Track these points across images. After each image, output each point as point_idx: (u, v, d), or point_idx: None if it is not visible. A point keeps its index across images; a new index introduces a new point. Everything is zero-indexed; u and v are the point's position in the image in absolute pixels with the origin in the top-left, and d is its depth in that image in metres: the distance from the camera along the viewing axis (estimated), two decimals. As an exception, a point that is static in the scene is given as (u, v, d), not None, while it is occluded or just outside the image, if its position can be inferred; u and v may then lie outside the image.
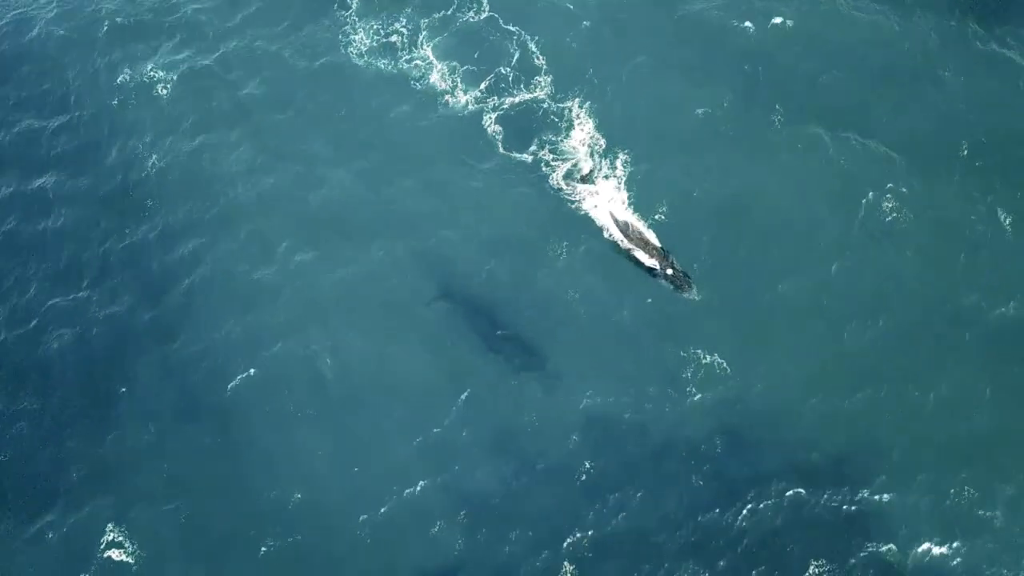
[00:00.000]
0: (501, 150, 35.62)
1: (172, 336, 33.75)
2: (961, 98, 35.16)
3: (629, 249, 33.08)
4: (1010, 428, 29.42)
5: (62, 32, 41.67)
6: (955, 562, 27.90)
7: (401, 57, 37.90)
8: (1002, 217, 32.48)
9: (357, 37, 38.73)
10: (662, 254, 32.69)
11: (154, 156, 37.54)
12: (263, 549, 29.81)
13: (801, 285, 32.12)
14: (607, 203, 34.04)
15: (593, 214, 33.95)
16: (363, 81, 37.83)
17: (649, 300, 32.25)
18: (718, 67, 36.75)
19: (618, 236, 33.39)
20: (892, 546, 28.30)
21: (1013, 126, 34.30)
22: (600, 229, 33.72)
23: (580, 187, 34.45)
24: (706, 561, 28.73)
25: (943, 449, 29.20)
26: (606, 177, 34.51)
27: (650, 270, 32.53)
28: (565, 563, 29.04)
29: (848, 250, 32.55)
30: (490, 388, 31.59)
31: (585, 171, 34.66)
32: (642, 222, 33.51)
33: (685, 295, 31.96)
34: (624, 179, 34.47)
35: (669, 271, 32.33)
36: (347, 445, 31.21)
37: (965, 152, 33.82)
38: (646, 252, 32.74)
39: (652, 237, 33.15)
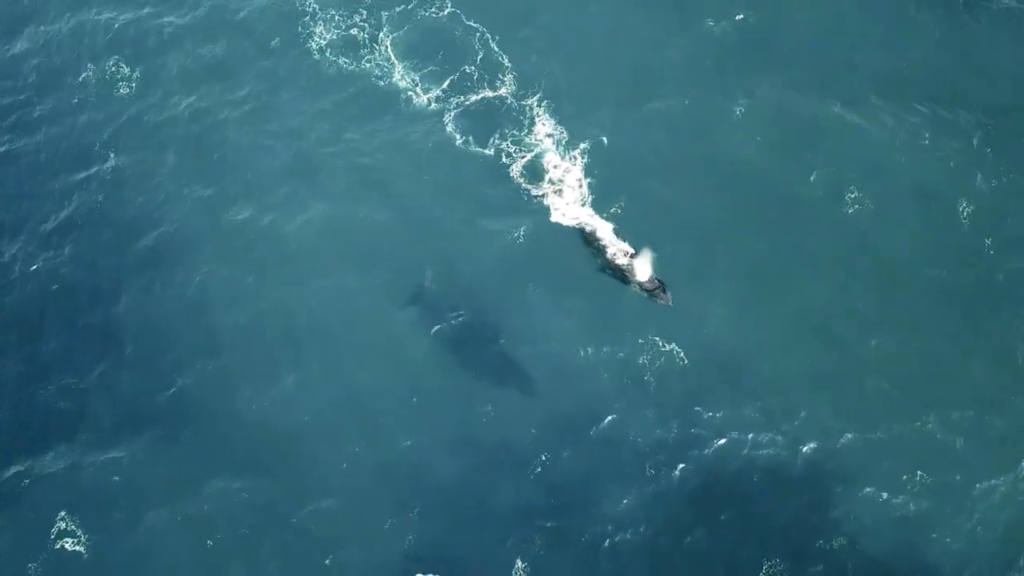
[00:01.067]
0: (459, 143, 36.42)
1: (125, 326, 34.61)
2: (933, 71, 36.58)
3: (600, 246, 33.80)
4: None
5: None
6: (905, 520, 29.40)
7: (363, 55, 38.65)
8: (962, 206, 33.76)
9: (318, 30, 39.54)
10: (638, 261, 32.89)
11: (112, 147, 38.43)
12: (209, 542, 30.49)
13: (761, 267, 33.37)
14: (571, 201, 34.81)
15: (555, 207, 34.75)
16: (324, 78, 38.46)
17: (606, 287, 33.18)
18: (683, 60, 37.70)
19: (588, 232, 34.12)
20: (843, 539, 29.35)
21: (979, 97, 35.82)
22: (566, 223, 34.55)
23: (545, 184, 35.23)
24: (663, 555, 29.59)
25: (899, 419, 30.68)
26: (568, 170, 35.40)
27: (623, 276, 33.09)
28: (518, 561, 29.75)
29: (807, 229, 33.85)
30: (443, 379, 32.29)
31: (551, 167, 35.50)
32: (610, 225, 34.18)
33: (660, 303, 32.51)
34: (585, 174, 35.32)
35: (645, 279, 32.67)
36: (300, 438, 31.94)
37: (928, 135, 35.05)
38: (619, 254, 33.42)
39: (624, 244, 33.66)
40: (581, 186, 35.24)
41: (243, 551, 30.40)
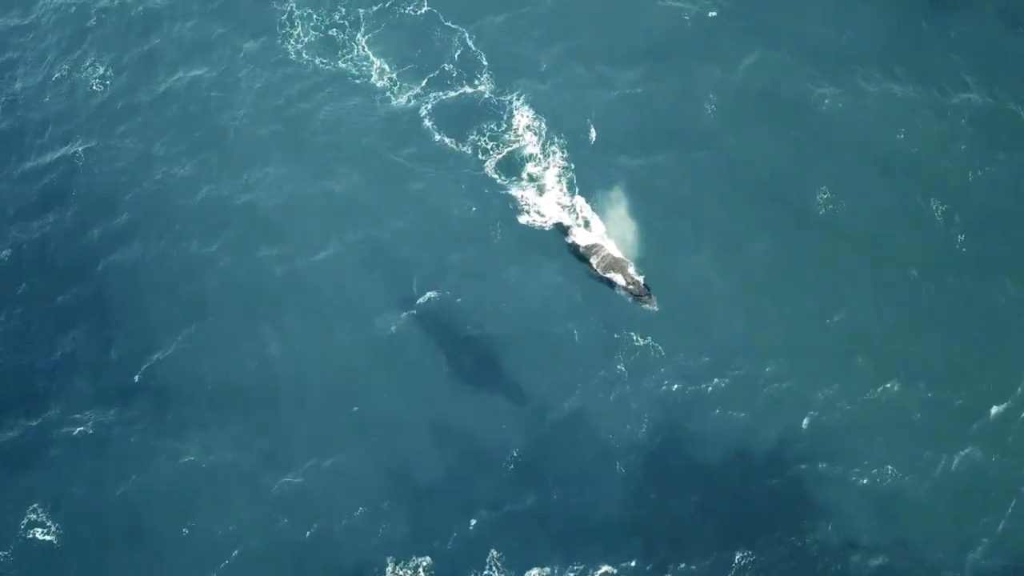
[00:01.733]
0: (437, 139, 37.12)
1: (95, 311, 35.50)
2: (913, 55, 37.52)
3: (581, 245, 34.19)
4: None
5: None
6: (876, 502, 30.16)
7: (341, 55, 39.44)
8: (935, 206, 34.51)
9: (296, 32, 40.33)
10: (623, 264, 33.45)
11: (85, 134, 39.60)
12: (185, 531, 31.10)
13: (740, 257, 34.05)
14: (551, 196, 35.37)
15: (533, 202, 35.35)
16: (302, 78, 39.30)
17: (582, 283, 33.79)
18: (655, 55, 38.43)
19: (566, 228, 34.61)
20: (813, 522, 30.01)
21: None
22: (544, 219, 35.20)
23: (524, 179, 35.83)
24: (633, 547, 30.15)
25: (865, 416, 31.32)
26: (548, 165, 36.09)
27: (608, 280, 33.35)
28: (492, 551, 30.34)
29: (779, 232, 34.41)
30: (416, 373, 32.93)
31: (530, 162, 36.11)
32: (592, 221, 34.66)
33: (646, 307, 32.83)
34: (565, 168, 35.93)
35: (630, 283, 33.12)
36: (270, 427, 32.65)
37: (903, 135, 35.73)
38: (602, 259, 33.74)
39: (609, 242, 34.11)
40: (560, 181, 35.82)
41: (212, 541, 31.04)
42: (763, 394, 31.79)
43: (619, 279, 33.21)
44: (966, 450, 30.32)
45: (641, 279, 33.11)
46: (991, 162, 35.04)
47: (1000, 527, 29.25)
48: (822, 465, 30.69)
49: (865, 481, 30.36)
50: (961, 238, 34.01)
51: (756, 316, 32.99)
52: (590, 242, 34.28)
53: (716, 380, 32.10)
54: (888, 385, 31.51)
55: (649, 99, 37.52)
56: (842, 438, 30.93)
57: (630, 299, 33.12)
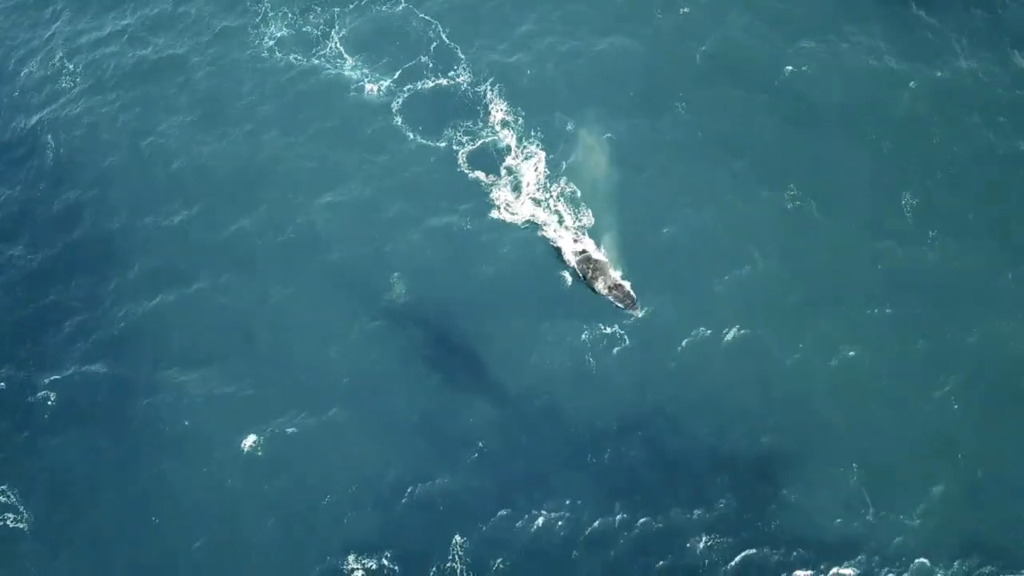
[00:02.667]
0: (411, 131, 37.89)
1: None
2: (879, 72, 37.81)
3: (560, 245, 34.76)
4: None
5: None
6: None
7: (316, 51, 40.39)
8: (904, 201, 35.06)
9: (269, 31, 41.29)
10: (603, 266, 33.79)
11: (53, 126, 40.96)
12: (155, 519, 32.00)
13: (700, 235, 34.83)
14: (527, 192, 35.82)
15: (507, 200, 35.95)
16: (275, 72, 40.32)
17: (553, 274, 34.53)
18: (629, 35, 39.19)
19: (541, 223, 35.14)
20: (779, 502, 30.69)
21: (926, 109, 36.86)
22: (519, 215, 35.87)
23: (502, 174, 36.35)
24: (600, 531, 30.74)
25: (831, 396, 31.93)
26: (524, 158, 36.69)
27: (590, 286, 33.75)
28: (456, 536, 30.91)
29: (747, 205, 35.16)
30: (383, 361, 33.70)
31: (507, 156, 36.64)
32: (571, 219, 35.11)
33: (629, 312, 33.22)
34: (539, 160, 36.54)
35: (614, 288, 33.52)
36: (240, 405, 33.63)
37: (875, 136, 36.08)
38: (577, 256, 34.29)
39: (588, 240, 34.55)
40: (535, 173, 36.36)
41: (184, 524, 32.00)
42: (727, 365, 32.53)
43: (599, 283, 33.78)
44: (929, 417, 31.08)
45: (627, 284, 33.72)
46: (964, 137, 35.75)
47: (963, 491, 30.08)
48: (785, 432, 31.44)
49: (828, 447, 31.11)
50: (932, 229, 34.50)
51: (724, 288, 33.80)
52: (565, 237, 34.99)
53: (680, 353, 32.87)
54: (851, 352, 32.27)
55: (625, 83, 38.30)
56: (806, 405, 31.69)
57: (613, 304, 33.64)
